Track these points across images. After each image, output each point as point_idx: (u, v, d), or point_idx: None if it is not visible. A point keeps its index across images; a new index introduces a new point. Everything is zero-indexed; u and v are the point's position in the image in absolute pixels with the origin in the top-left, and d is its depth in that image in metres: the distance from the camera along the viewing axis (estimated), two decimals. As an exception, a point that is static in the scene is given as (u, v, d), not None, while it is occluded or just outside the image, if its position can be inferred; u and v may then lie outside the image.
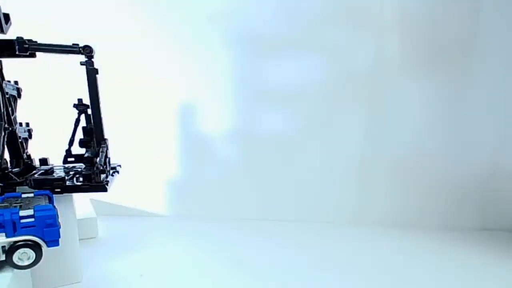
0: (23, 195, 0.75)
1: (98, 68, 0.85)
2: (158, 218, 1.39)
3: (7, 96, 0.80)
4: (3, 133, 0.77)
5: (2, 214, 0.62)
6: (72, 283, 0.85)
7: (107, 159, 0.88)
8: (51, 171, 0.89)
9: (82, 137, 0.92)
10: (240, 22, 1.32)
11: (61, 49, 0.83)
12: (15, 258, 0.64)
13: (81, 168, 0.94)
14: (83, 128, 0.92)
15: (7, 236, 0.63)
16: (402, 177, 1.38)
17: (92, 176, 0.79)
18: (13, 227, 0.63)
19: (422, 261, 1.08)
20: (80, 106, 0.92)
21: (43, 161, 0.96)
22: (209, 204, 1.42)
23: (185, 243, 1.15)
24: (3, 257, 0.63)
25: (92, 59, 0.84)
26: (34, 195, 0.76)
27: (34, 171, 0.87)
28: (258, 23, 1.32)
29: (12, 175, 0.77)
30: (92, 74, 0.85)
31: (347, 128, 1.37)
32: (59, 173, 0.89)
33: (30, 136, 0.94)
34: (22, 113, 0.92)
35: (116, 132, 0.99)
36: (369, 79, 1.34)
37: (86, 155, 0.87)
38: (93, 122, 0.88)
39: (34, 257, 0.65)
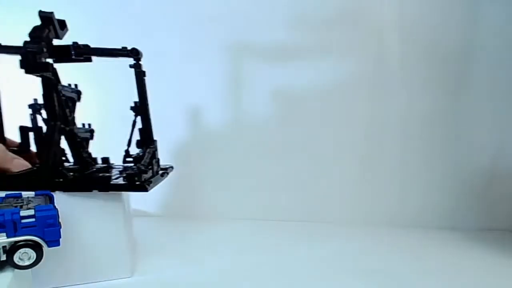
0: (24, 195, 0.75)
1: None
2: (158, 218, 1.39)
3: (63, 98, 0.83)
4: (56, 132, 0.80)
5: (3, 214, 0.62)
6: (122, 278, 0.87)
7: (154, 160, 0.90)
8: (104, 169, 0.92)
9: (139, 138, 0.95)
10: (242, 25, 1.33)
11: (111, 53, 0.87)
12: (16, 258, 0.64)
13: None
14: (139, 129, 0.95)
15: (7, 236, 0.63)
16: (402, 177, 1.38)
17: (135, 176, 0.79)
18: (14, 227, 0.63)
19: (422, 261, 1.08)
20: (136, 109, 0.95)
21: (105, 160, 0.99)
22: (209, 203, 1.42)
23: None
24: (4, 257, 0.63)
25: (140, 62, 0.88)
26: (35, 195, 0.76)
27: (89, 169, 0.89)
28: (258, 26, 1.32)
29: (65, 172, 0.79)
30: (140, 76, 0.89)
31: (348, 129, 1.37)
32: (113, 171, 0.92)
33: (91, 136, 0.98)
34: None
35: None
36: (369, 79, 1.35)
37: (134, 155, 0.90)
38: (142, 123, 0.91)
39: (34, 257, 0.65)
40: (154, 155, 0.91)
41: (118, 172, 0.91)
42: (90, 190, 0.80)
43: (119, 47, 0.87)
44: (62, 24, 0.82)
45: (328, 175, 1.39)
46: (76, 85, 0.94)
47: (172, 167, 1.04)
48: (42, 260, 0.66)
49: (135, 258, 0.98)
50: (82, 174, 0.84)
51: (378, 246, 1.18)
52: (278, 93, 1.35)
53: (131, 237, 1.02)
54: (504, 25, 1.27)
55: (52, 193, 0.78)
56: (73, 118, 0.90)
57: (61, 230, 0.75)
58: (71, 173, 0.82)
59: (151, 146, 0.90)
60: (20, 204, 0.68)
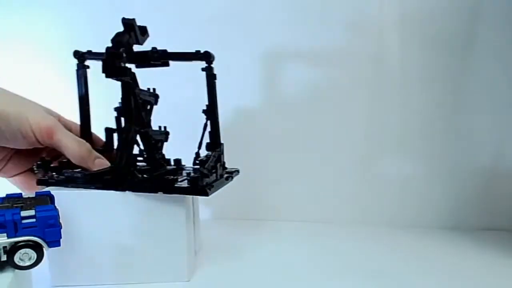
0: (24, 195, 0.75)
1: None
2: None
3: (140, 102, 0.86)
4: (130, 134, 0.84)
5: (3, 215, 0.62)
6: (179, 281, 0.88)
7: (219, 164, 0.90)
8: (174, 171, 0.93)
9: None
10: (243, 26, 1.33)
11: (186, 57, 0.89)
12: (17, 258, 0.64)
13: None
14: (209, 132, 0.96)
15: (8, 237, 0.63)
16: (402, 177, 1.38)
17: (197, 179, 0.79)
18: (14, 228, 0.63)
19: (422, 261, 1.08)
20: (207, 112, 0.96)
21: (177, 162, 1.01)
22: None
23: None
24: (4, 258, 0.63)
25: (211, 65, 0.89)
26: (36, 195, 0.76)
27: (160, 170, 0.91)
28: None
29: (136, 173, 0.83)
30: (211, 79, 0.90)
31: (347, 129, 1.37)
32: (183, 174, 0.94)
33: (166, 139, 1.00)
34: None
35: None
36: (369, 79, 1.35)
37: (200, 158, 0.90)
38: (210, 126, 0.93)
39: (35, 258, 0.65)
40: (219, 158, 0.91)
41: (186, 175, 0.92)
42: (156, 192, 0.81)
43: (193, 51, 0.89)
44: (143, 30, 0.85)
45: (326, 175, 1.40)
46: (154, 89, 0.96)
47: (238, 171, 1.02)
48: (43, 260, 0.66)
49: (197, 262, 0.98)
50: (150, 175, 0.85)
51: (377, 246, 1.19)
52: (283, 94, 1.35)
53: (196, 240, 1.03)
54: (505, 25, 1.27)
55: (123, 192, 0.82)
56: (149, 121, 0.93)
57: (126, 228, 0.83)
58: (142, 174, 0.85)
59: (217, 150, 0.91)
60: (20, 205, 0.68)
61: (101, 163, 0.87)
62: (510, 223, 1.36)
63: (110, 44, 0.79)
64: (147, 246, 0.85)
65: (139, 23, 0.83)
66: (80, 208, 0.82)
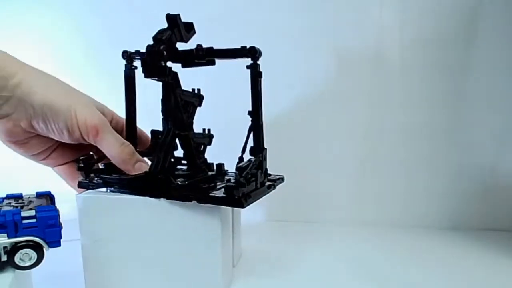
0: (25, 196, 0.76)
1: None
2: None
3: (182, 103, 0.82)
4: (169, 138, 0.79)
5: (4, 215, 0.62)
6: None
7: (260, 171, 0.80)
8: (213, 177, 0.88)
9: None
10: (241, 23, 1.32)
11: (232, 54, 0.81)
12: (17, 258, 0.64)
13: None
14: (252, 136, 0.88)
15: (8, 237, 0.63)
16: (402, 177, 1.38)
17: (233, 189, 0.72)
18: (15, 228, 0.63)
19: (422, 261, 1.08)
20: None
21: (219, 167, 0.94)
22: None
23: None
24: (4, 258, 0.63)
25: (257, 62, 0.80)
26: (36, 195, 0.76)
27: (198, 176, 0.85)
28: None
29: (171, 179, 0.77)
30: (256, 78, 0.80)
31: (347, 129, 1.37)
32: (224, 179, 0.89)
33: (210, 142, 0.95)
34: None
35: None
36: (369, 78, 1.35)
37: (238, 165, 0.81)
38: (252, 129, 0.83)
39: (35, 258, 0.65)
40: (260, 165, 0.81)
41: (226, 181, 0.87)
42: (189, 201, 0.75)
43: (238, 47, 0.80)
44: (189, 27, 0.79)
45: (325, 175, 1.40)
46: (199, 90, 0.91)
47: (282, 179, 0.95)
48: (43, 261, 0.66)
49: (235, 274, 0.93)
50: (185, 182, 0.80)
51: (377, 246, 1.19)
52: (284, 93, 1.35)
53: (235, 249, 0.96)
54: (505, 25, 1.27)
55: (157, 199, 0.77)
56: (191, 123, 0.89)
57: (159, 237, 0.78)
58: (179, 180, 0.80)
59: (259, 155, 0.81)
60: (21, 205, 0.68)
61: (141, 167, 0.82)
62: (510, 223, 1.36)
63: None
64: (180, 258, 0.79)
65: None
66: (113, 213, 0.78)
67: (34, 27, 1.41)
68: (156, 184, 0.77)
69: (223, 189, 0.75)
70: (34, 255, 0.65)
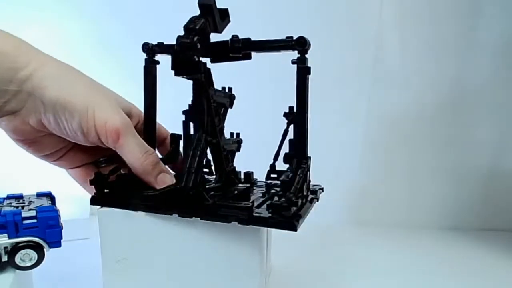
0: (25, 196, 0.76)
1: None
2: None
3: (214, 105, 0.73)
4: (201, 146, 0.70)
5: (5, 215, 0.62)
6: None
7: (305, 184, 0.69)
8: (246, 190, 0.78)
9: (288, 151, 0.78)
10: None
11: (274, 46, 0.69)
12: (17, 259, 0.64)
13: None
14: (290, 141, 0.78)
15: (9, 237, 0.63)
16: (402, 177, 1.38)
17: (283, 209, 0.61)
18: (15, 228, 0.63)
19: (422, 261, 1.08)
20: (290, 115, 0.79)
21: (247, 176, 0.86)
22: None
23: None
24: (5, 258, 0.63)
25: (306, 55, 0.67)
26: (36, 195, 0.76)
27: (233, 188, 0.78)
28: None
29: (206, 196, 0.66)
30: (303, 74, 0.67)
31: (346, 129, 1.37)
32: (256, 193, 0.78)
33: (238, 148, 0.87)
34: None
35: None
36: (368, 79, 1.35)
37: (282, 177, 0.68)
38: (296, 133, 0.71)
39: (36, 258, 0.65)
40: (306, 177, 0.69)
41: (260, 195, 0.76)
42: (229, 222, 0.64)
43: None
44: (224, 14, 0.68)
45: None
46: (230, 89, 0.82)
47: (322, 189, 0.84)
48: (43, 261, 0.66)
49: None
50: (221, 199, 0.69)
51: (377, 246, 1.19)
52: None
53: (267, 265, 0.87)
54: (504, 26, 1.27)
55: (189, 218, 0.67)
56: (222, 127, 0.79)
57: (188, 259, 0.69)
58: (212, 194, 0.71)
59: (303, 166, 0.69)
60: (21, 205, 0.68)
61: (165, 179, 0.72)
62: (510, 223, 1.36)
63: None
64: (212, 282, 0.72)
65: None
66: (138, 231, 0.70)
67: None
68: (188, 202, 0.67)
69: (264, 207, 0.67)
70: (34, 255, 0.65)
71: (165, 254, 0.71)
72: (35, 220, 0.64)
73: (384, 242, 1.22)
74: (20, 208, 0.66)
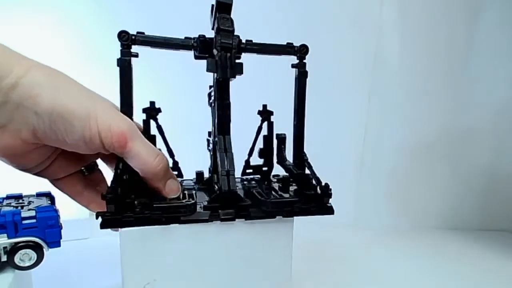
0: (25, 196, 0.76)
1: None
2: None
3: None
4: (230, 148, 0.71)
5: (4, 215, 0.62)
6: None
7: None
8: (285, 182, 0.80)
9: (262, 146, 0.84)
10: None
11: (275, 50, 0.73)
12: (17, 259, 0.64)
13: (258, 180, 0.85)
14: (264, 137, 0.83)
15: (8, 237, 0.63)
16: (402, 178, 1.38)
17: (322, 197, 0.69)
18: (14, 228, 0.63)
19: (422, 261, 1.08)
20: (264, 113, 0.83)
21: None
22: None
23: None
24: (4, 258, 0.63)
25: (304, 61, 0.75)
26: (36, 195, 0.76)
27: (264, 185, 0.78)
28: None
29: (256, 194, 0.69)
30: (303, 78, 0.76)
31: (346, 130, 1.37)
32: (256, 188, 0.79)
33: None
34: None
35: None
36: (368, 79, 1.35)
37: (296, 172, 0.75)
38: (295, 131, 0.78)
39: (35, 258, 0.65)
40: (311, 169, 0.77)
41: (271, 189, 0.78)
42: (274, 217, 0.67)
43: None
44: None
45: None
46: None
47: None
48: (43, 261, 0.66)
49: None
50: (265, 196, 0.69)
51: (376, 248, 1.19)
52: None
53: None
54: (504, 26, 1.27)
55: (230, 223, 0.66)
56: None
57: (222, 263, 0.68)
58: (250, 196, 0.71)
59: (306, 157, 0.78)
60: (21, 205, 0.68)
61: (173, 185, 0.68)
62: (510, 223, 1.36)
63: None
64: (245, 282, 0.71)
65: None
66: (170, 249, 0.66)
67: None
68: (228, 204, 0.66)
69: (295, 198, 0.70)
70: (34, 255, 0.65)
71: (199, 264, 0.68)
72: (34, 220, 0.64)
73: (384, 242, 1.22)
74: (19, 208, 0.66)
